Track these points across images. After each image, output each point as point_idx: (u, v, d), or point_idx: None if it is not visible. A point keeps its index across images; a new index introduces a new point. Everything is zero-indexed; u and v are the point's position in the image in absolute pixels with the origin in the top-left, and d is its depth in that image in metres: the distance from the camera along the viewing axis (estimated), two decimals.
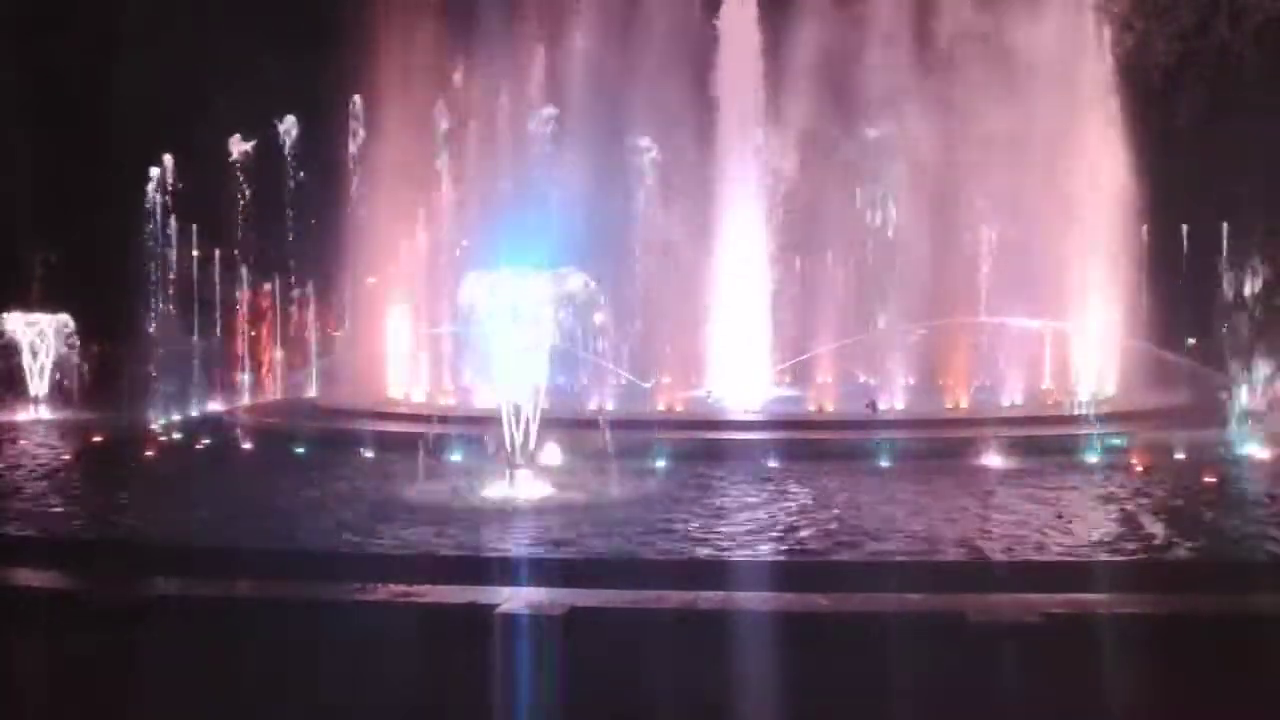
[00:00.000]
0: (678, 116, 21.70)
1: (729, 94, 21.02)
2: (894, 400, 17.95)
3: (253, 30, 26.96)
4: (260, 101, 25.82)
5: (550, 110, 21.79)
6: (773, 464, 12.85)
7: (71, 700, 6.56)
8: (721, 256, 21.26)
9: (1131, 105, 21.09)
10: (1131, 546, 8.34)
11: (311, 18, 25.21)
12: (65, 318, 22.45)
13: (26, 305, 23.04)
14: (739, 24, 20.82)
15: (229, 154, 25.43)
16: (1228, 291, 24.05)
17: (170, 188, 23.30)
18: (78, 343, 22.40)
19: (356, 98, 22.35)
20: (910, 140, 20.45)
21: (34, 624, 7.23)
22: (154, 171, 20.87)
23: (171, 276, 23.01)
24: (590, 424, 13.14)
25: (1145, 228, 23.32)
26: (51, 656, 6.77)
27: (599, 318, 10.85)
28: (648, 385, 19.14)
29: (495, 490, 10.68)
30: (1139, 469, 12.32)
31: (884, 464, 12.86)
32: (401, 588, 7.27)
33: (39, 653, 6.83)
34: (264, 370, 23.89)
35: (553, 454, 11.58)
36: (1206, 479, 11.31)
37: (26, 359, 21.97)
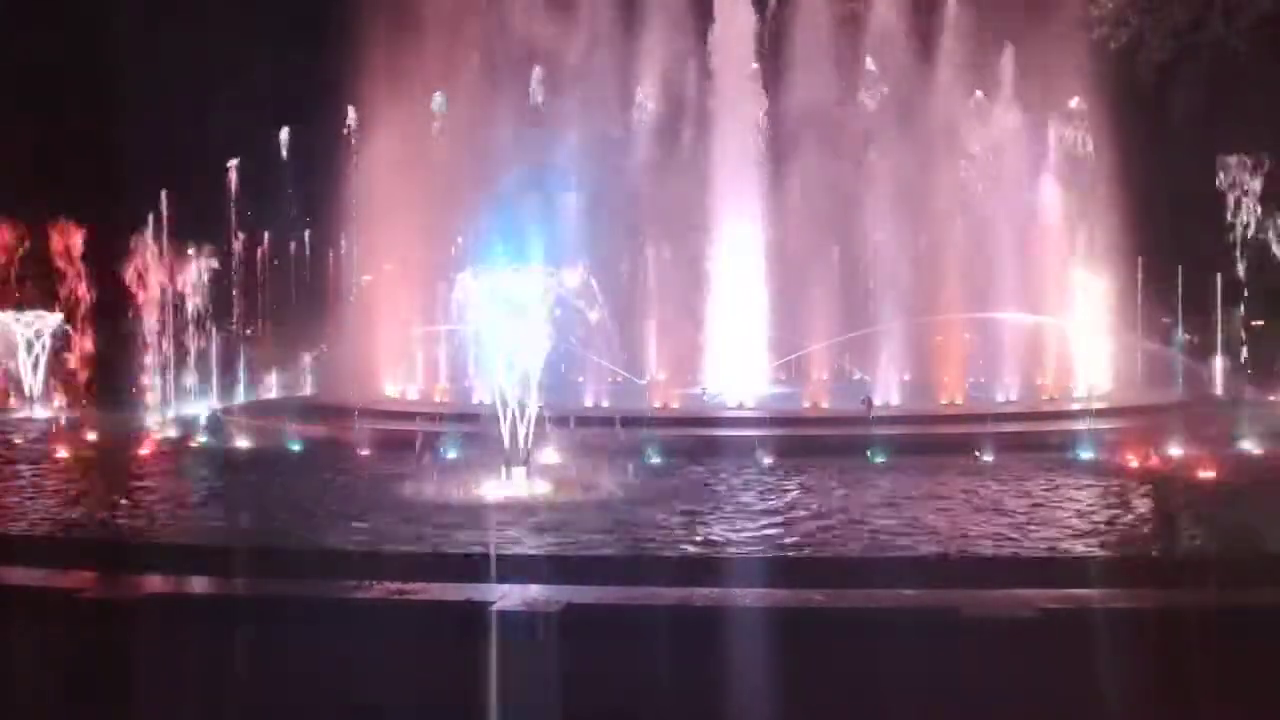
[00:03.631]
0: (674, 111, 21.75)
1: (724, 87, 21.07)
2: (889, 397, 17.98)
3: (251, 24, 26.92)
4: (258, 96, 25.80)
5: (542, 101, 21.80)
6: (768, 460, 12.87)
7: (68, 697, 6.56)
8: (718, 254, 21.31)
9: (1126, 102, 21.15)
10: None
11: (310, 13, 25.19)
12: (60, 316, 22.41)
13: (21, 304, 22.98)
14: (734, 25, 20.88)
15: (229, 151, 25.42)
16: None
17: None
18: (72, 341, 22.35)
19: (350, 108, 22.36)
20: (904, 138, 20.50)
21: (31, 620, 7.23)
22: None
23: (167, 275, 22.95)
24: (587, 421, 13.16)
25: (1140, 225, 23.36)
26: (49, 653, 6.76)
27: (595, 315, 10.85)
28: (643, 382, 19.16)
29: (491, 488, 10.69)
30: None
31: (878, 459, 12.89)
32: (397, 585, 7.28)
33: (36, 649, 6.82)
34: (257, 368, 23.84)
35: (549, 451, 11.59)
36: None
37: (22, 357, 21.92)
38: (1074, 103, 20.30)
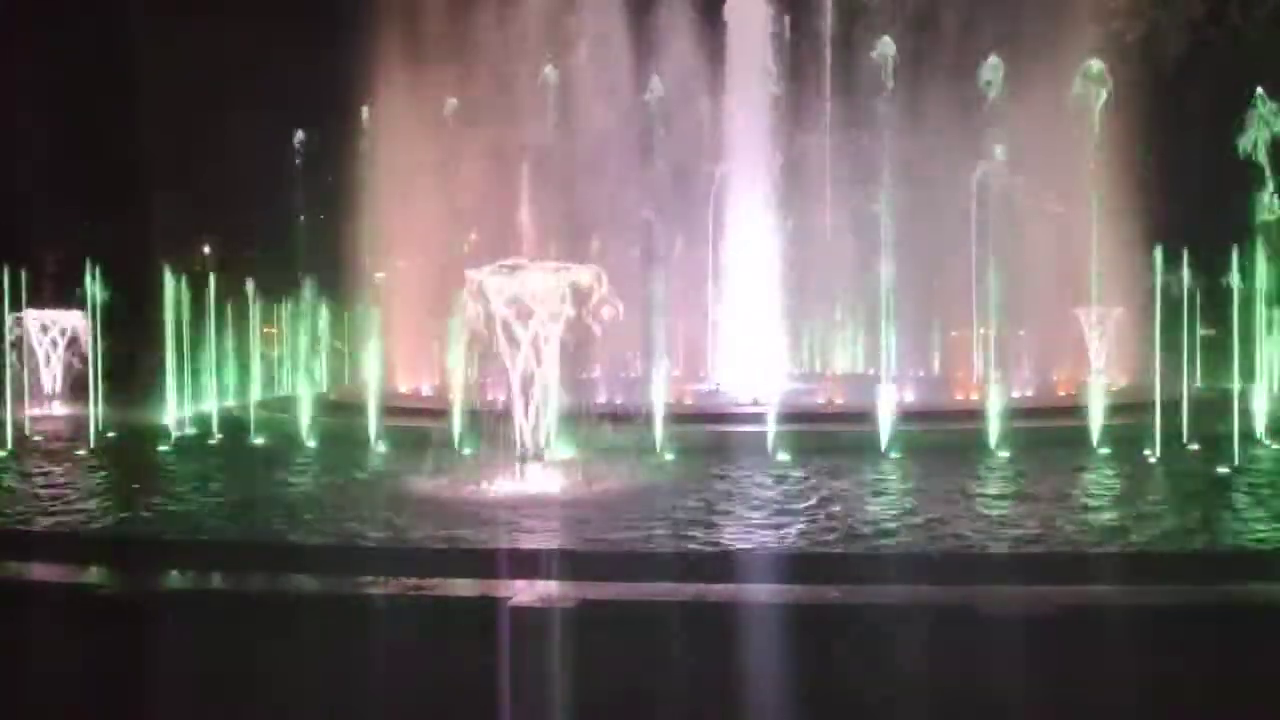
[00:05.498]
0: (685, 104, 21.74)
1: (738, 81, 21.04)
2: (903, 392, 17.91)
3: (268, 26, 27.03)
4: (275, 98, 25.90)
5: (554, 101, 21.82)
6: (781, 456, 12.87)
7: (83, 694, 6.61)
8: (731, 248, 21.29)
9: (1143, 95, 21.00)
10: None
11: (326, 14, 25.29)
12: (79, 315, 22.52)
13: (40, 303, 23.12)
14: (748, 21, 20.85)
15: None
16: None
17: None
18: (91, 339, 22.44)
19: (365, 108, 22.43)
20: (918, 135, 20.43)
21: (47, 617, 7.29)
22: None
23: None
24: (599, 417, 13.15)
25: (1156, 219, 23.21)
26: (64, 650, 6.82)
27: (607, 311, 10.87)
28: (658, 376, 19.11)
29: (506, 484, 10.72)
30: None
31: (892, 455, 12.89)
32: (413, 581, 7.32)
33: (52, 646, 6.88)
34: (273, 365, 23.94)
35: (563, 447, 11.62)
36: None
37: (40, 355, 22.07)
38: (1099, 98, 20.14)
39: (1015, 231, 20.16)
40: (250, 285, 20.30)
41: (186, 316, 18.96)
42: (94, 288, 19.24)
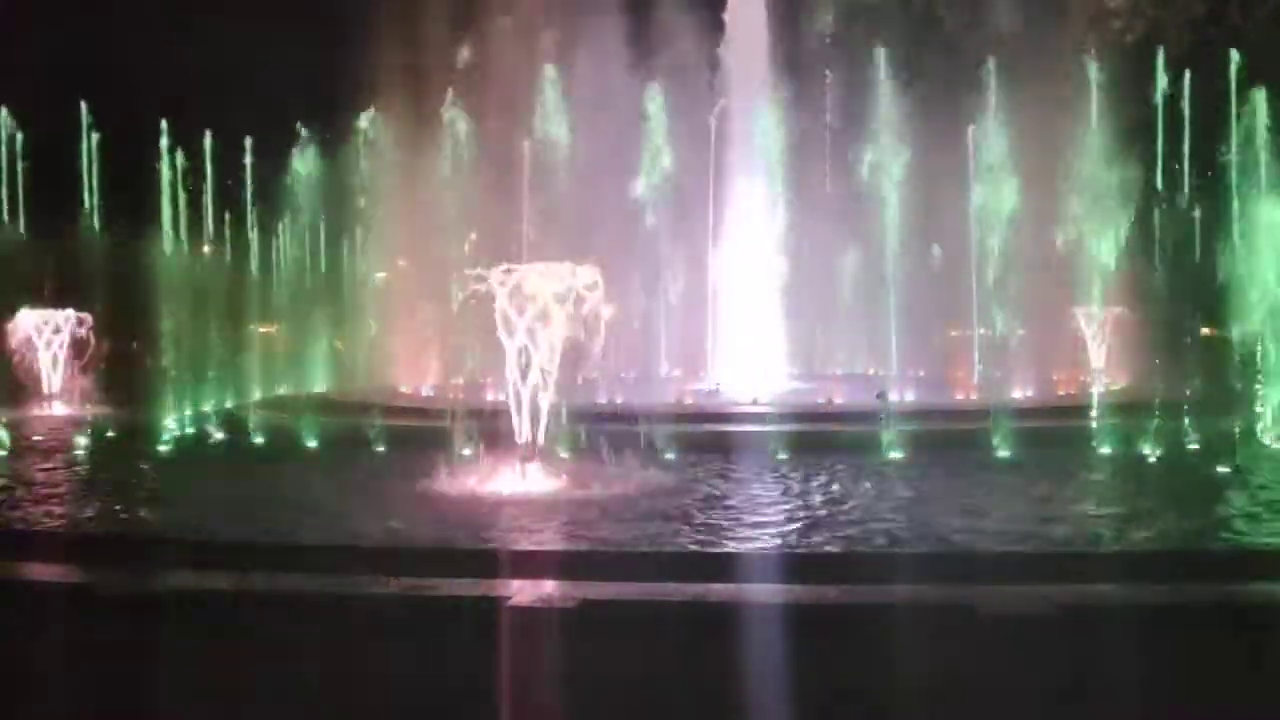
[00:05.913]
0: (686, 104, 21.78)
1: (737, 77, 21.07)
2: (903, 392, 17.95)
3: (268, 24, 27.06)
4: (275, 96, 25.91)
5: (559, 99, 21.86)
6: (782, 455, 12.88)
7: (84, 693, 6.62)
8: (729, 247, 21.32)
9: (1144, 94, 21.02)
10: None
11: (327, 11, 25.33)
12: (79, 314, 22.53)
13: (40, 302, 23.13)
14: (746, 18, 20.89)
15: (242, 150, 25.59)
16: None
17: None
18: (91, 339, 22.46)
19: (369, 111, 22.47)
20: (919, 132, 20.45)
21: (48, 616, 7.30)
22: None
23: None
24: (602, 418, 13.18)
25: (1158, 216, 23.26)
26: (65, 649, 6.83)
27: (608, 311, 10.87)
28: (659, 377, 19.16)
29: (507, 484, 10.73)
30: None
31: (892, 454, 12.90)
32: (413, 581, 7.32)
33: (53, 645, 6.89)
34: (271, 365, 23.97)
35: (563, 447, 11.63)
36: None
37: (41, 355, 22.08)
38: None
39: (1014, 231, 20.21)
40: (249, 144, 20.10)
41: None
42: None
